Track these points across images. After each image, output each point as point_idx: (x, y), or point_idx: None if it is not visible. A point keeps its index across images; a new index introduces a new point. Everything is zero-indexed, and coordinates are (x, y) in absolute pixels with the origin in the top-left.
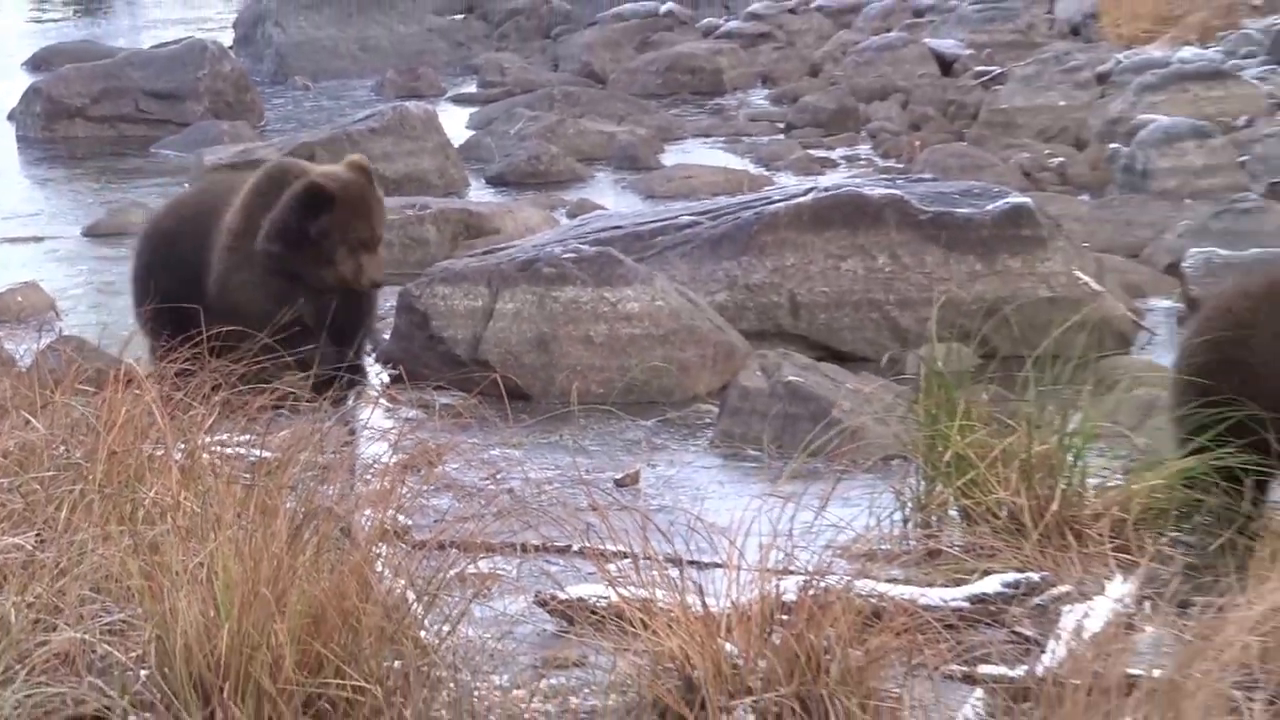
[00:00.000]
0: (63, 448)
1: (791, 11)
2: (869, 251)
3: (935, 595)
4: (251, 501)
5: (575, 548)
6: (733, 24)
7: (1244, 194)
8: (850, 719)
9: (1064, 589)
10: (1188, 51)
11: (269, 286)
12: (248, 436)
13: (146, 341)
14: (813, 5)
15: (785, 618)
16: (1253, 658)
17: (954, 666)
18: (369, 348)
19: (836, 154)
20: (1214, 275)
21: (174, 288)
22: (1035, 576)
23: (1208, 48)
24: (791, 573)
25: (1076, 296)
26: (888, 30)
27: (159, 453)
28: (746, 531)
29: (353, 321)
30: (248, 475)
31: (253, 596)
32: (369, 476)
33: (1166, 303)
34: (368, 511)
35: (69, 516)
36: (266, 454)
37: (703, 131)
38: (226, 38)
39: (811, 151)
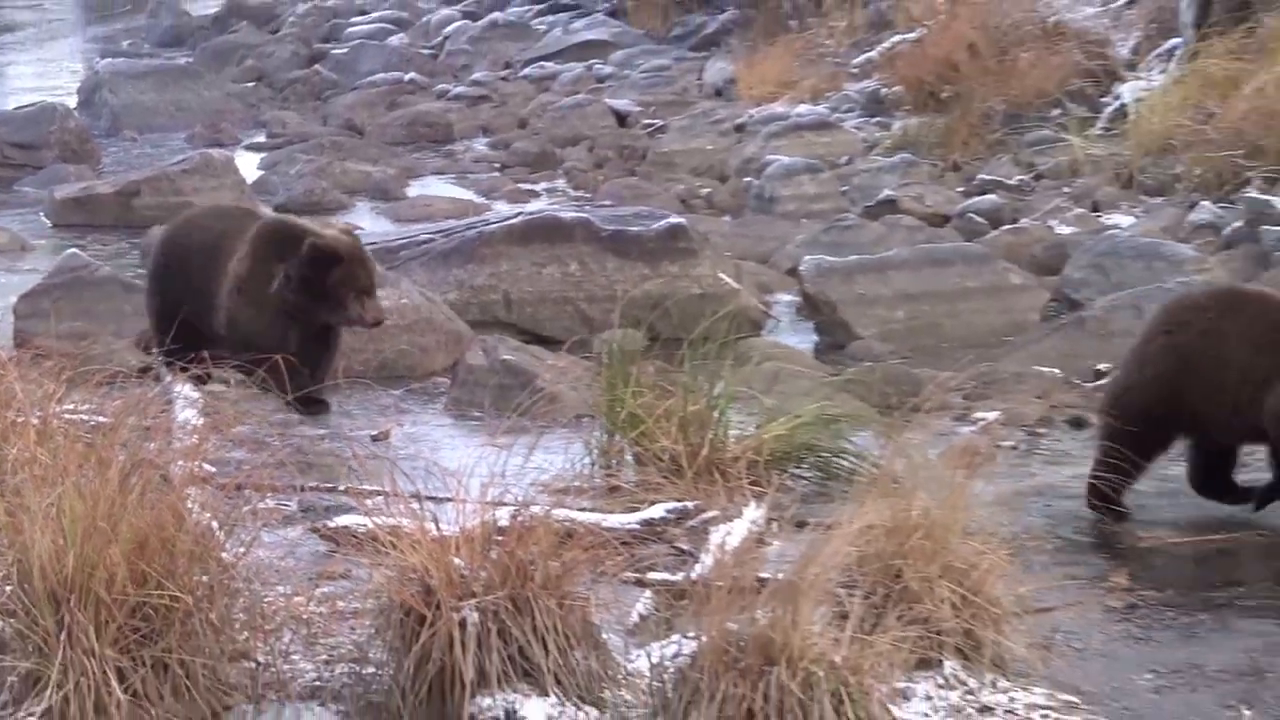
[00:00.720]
0: None
1: (504, 79)
2: (563, 260)
3: (614, 520)
4: (91, 456)
5: (341, 488)
6: (460, 89)
7: (845, 215)
8: (550, 615)
9: (712, 514)
10: (803, 108)
11: (272, 327)
12: (88, 405)
13: (153, 329)
14: (520, 74)
15: (500, 538)
16: (852, 564)
17: (629, 574)
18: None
19: (539, 187)
20: (823, 275)
21: (180, 291)
22: (690, 505)
23: (818, 104)
24: (505, 504)
25: (720, 293)
26: (577, 93)
27: (19, 419)
28: (471, 473)
29: (325, 356)
30: (88, 435)
31: (92, 528)
32: (183, 435)
33: (788, 297)
34: (181, 462)
35: None
36: (103, 419)
37: (438, 170)
38: (72, 101)
39: (520, 185)
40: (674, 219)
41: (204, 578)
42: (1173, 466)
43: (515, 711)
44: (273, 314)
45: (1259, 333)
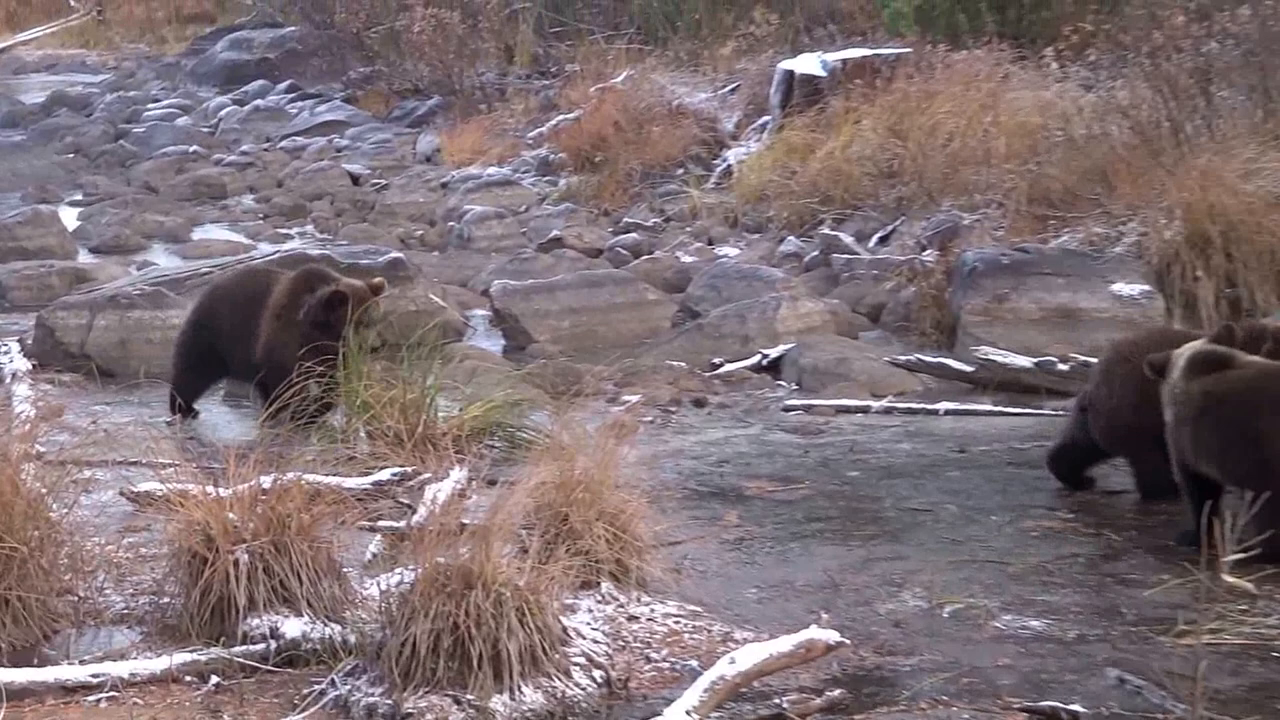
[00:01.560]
0: None
1: (266, 150)
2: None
3: (352, 482)
4: None
5: (143, 461)
6: (232, 157)
7: (524, 249)
8: (303, 555)
9: (426, 476)
10: (492, 170)
11: (299, 345)
12: None
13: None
14: (278, 146)
15: (264, 497)
16: (531, 511)
17: (363, 523)
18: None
19: (294, 231)
20: (508, 295)
21: (216, 330)
22: (409, 469)
23: (503, 167)
24: (268, 471)
25: (431, 309)
26: (321, 160)
27: None
28: (243, 449)
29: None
30: None
31: None
32: (19, 423)
33: (481, 312)
34: (17, 444)
35: None
36: None
37: (215, 219)
38: None
39: (279, 230)
40: (395, 254)
41: (36, 532)
42: (772, 434)
43: (278, 628)
44: (300, 335)
45: None
